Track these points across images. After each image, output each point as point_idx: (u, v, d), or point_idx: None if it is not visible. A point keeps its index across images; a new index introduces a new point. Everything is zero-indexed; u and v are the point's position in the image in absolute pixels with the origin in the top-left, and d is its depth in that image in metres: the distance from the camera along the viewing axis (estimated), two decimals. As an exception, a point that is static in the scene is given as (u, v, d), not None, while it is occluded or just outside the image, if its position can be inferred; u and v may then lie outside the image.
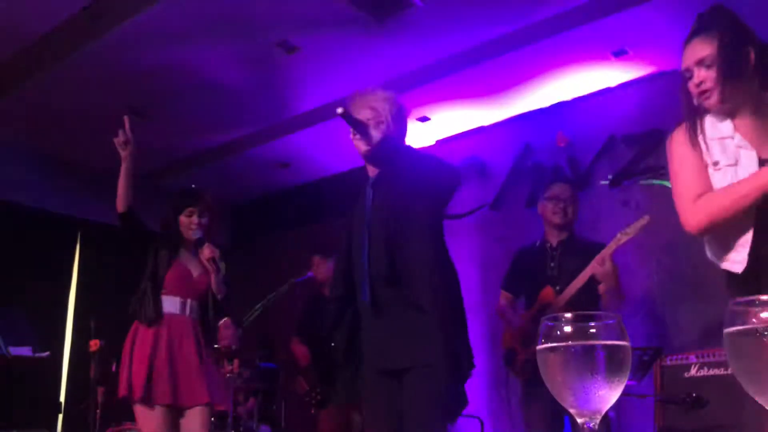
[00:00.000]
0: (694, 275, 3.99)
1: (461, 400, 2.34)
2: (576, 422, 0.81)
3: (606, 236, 3.49)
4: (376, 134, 2.47)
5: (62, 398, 5.61)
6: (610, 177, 4.57)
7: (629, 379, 0.80)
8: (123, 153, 3.34)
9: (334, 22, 4.21)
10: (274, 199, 6.96)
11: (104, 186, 6.33)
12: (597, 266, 3.07)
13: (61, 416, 5.30)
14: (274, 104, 5.29)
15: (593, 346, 0.78)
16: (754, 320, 0.74)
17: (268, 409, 5.08)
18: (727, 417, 2.98)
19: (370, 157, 2.51)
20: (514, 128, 5.33)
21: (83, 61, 4.54)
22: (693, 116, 1.96)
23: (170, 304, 3.19)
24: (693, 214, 1.92)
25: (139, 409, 3.06)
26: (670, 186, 2.05)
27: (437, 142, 5.69)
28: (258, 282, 6.50)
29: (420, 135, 5.60)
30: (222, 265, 3.37)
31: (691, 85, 1.94)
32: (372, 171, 2.56)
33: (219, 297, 3.31)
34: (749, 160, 1.87)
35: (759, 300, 0.75)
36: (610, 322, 0.79)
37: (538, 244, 3.49)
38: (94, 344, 4.41)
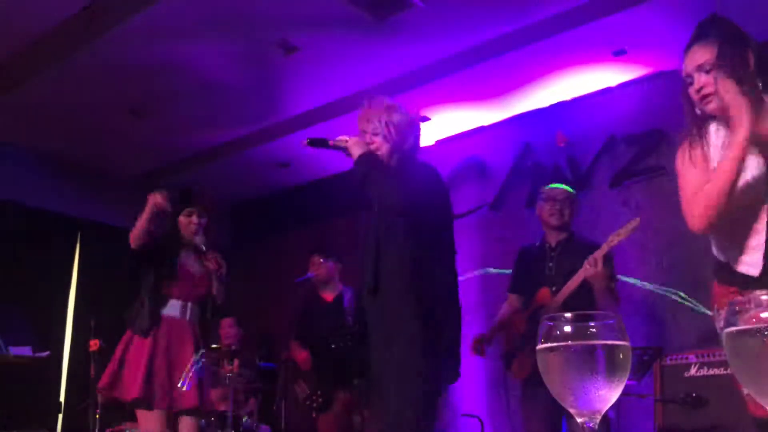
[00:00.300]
0: (694, 275, 3.99)
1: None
2: (573, 423, 0.81)
3: (606, 237, 3.49)
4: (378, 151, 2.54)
5: (62, 398, 5.61)
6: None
7: (629, 379, 0.80)
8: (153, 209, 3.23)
9: (334, 22, 4.21)
10: (274, 199, 6.96)
11: (104, 186, 6.38)
12: (588, 268, 3.07)
13: (61, 416, 5.30)
14: (275, 104, 5.29)
15: (593, 346, 0.78)
16: (754, 320, 0.74)
17: (268, 409, 5.08)
18: (727, 417, 2.98)
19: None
20: (514, 128, 5.32)
21: (83, 60, 4.54)
22: (697, 124, 1.96)
23: (171, 307, 3.18)
24: (692, 211, 1.94)
25: (139, 412, 3.07)
26: None
27: (437, 142, 5.69)
28: (258, 282, 6.51)
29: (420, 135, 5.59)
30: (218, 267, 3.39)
31: (692, 91, 1.95)
32: None
33: (219, 302, 3.32)
34: (752, 163, 1.88)
35: (759, 300, 0.75)
36: (610, 321, 0.79)
37: (537, 244, 3.49)
38: (94, 344, 4.41)
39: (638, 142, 4.59)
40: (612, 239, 3.14)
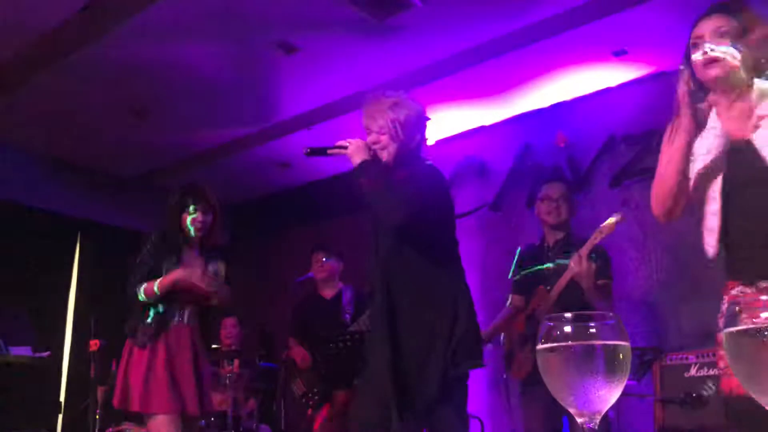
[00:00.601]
0: (694, 275, 3.99)
1: None
2: (575, 423, 0.81)
3: (605, 236, 3.49)
4: (382, 156, 2.50)
5: (62, 398, 5.60)
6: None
7: (629, 379, 0.80)
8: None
9: (334, 22, 4.21)
10: (274, 199, 6.96)
11: (104, 186, 6.38)
12: (573, 266, 3.07)
13: (61, 416, 5.30)
14: (275, 104, 5.29)
15: (593, 346, 0.78)
16: (754, 320, 0.74)
17: (268, 409, 5.08)
18: (725, 416, 2.97)
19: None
20: (514, 128, 5.33)
21: (83, 60, 4.54)
22: (689, 101, 1.89)
23: (170, 311, 3.16)
24: (653, 199, 1.97)
25: (151, 421, 3.03)
26: None
27: (437, 142, 5.68)
28: (258, 282, 6.51)
29: (420, 135, 5.59)
30: (221, 266, 3.36)
31: (697, 54, 1.88)
32: None
33: (217, 305, 3.30)
34: (720, 147, 1.88)
35: (759, 300, 0.75)
36: (610, 322, 0.79)
37: (537, 244, 3.49)
38: (94, 344, 4.40)
39: (638, 142, 4.59)
40: (595, 236, 3.13)
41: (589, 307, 3.04)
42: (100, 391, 4.40)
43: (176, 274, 3.08)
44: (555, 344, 0.79)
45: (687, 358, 3.44)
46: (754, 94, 1.84)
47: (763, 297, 0.75)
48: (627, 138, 4.68)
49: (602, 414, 0.80)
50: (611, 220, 3.12)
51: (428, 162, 2.58)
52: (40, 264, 5.82)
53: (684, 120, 1.85)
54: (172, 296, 3.13)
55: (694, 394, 3.27)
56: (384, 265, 2.44)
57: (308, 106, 5.30)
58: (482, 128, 5.47)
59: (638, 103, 4.62)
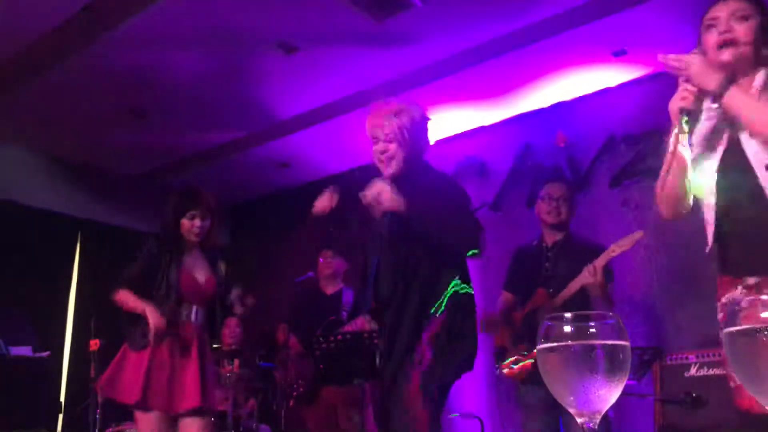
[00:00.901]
0: (694, 275, 3.99)
1: None
2: (569, 422, 0.81)
3: (605, 237, 3.49)
4: (389, 167, 2.48)
5: (62, 398, 5.60)
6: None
7: (629, 379, 0.80)
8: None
9: (334, 22, 4.21)
10: (274, 199, 6.96)
11: (104, 186, 6.38)
12: (587, 276, 3.08)
13: (61, 416, 5.30)
14: (274, 104, 5.29)
15: (593, 346, 0.78)
16: (754, 320, 0.74)
17: (268, 409, 5.08)
18: (727, 417, 2.98)
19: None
20: (514, 128, 5.33)
21: (83, 61, 4.54)
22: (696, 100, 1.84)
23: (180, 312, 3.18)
24: (657, 198, 1.96)
25: (137, 414, 3.05)
26: None
27: (437, 142, 5.68)
28: (258, 282, 6.50)
29: (420, 135, 5.59)
30: (221, 266, 3.36)
31: (712, 35, 1.85)
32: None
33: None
34: (722, 140, 1.86)
35: (759, 300, 0.75)
36: (610, 321, 0.79)
37: (535, 243, 3.49)
38: (94, 344, 4.40)
39: (638, 142, 4.60)
40: (613, 249, 3.14)
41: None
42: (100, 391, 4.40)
43: (147, 311, 3.03)
44: (555, 344, 0.79)
45: (687, 358, 3.44)
46: (757, 80, 1.83)
47: (764, 297, 0.75)
48: (627, 138, 4.68)
49: (602, 414, 0.80)
50: (633, 236, 3.15)
51: (437, 171, 2.57)
52: (40, 264, 5.82)
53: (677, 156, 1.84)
54: (179, 296, 3.14)
55: (694, 394, 3.27)
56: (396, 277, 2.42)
57: (308, 106, 5.30)
58: (482, 128, 5.47)
59: (638, 103, 4.62)
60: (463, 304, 2.46)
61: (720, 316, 1.88)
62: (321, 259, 4.66)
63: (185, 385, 3.07)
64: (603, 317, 0.80)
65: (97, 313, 4.73)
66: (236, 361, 4.76)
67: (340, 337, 4.02)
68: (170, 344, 3.09)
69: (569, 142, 4.94)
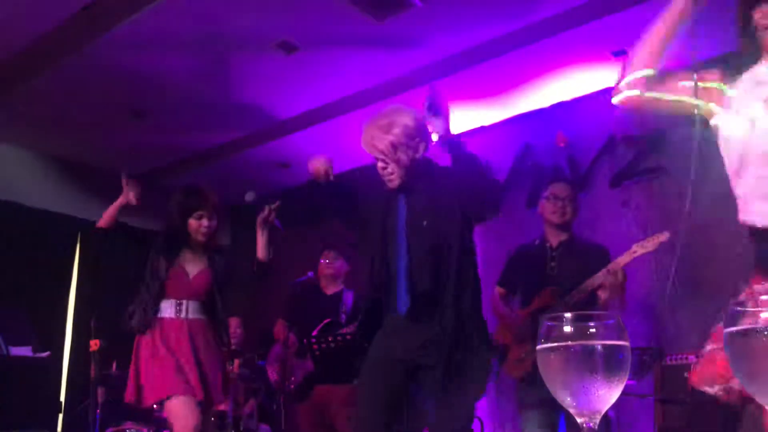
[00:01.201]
0: (694, 275, 3.99)
1: None
2: (571, 421, 0.81)
3: (605, 237, 3.49)
4: (392, 180, 2.48)
5: (62, 398, 5.60)
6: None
7: (629, 379, 0.80)
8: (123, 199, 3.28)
9: (334, 22, 4.21)
10: (273, 199, 6.95)
11: (104, 186, 6.35)
12: (609, 276, 3.05)
13: (61, 416, 5.30)
14: (274, 104, 5.29)
15: (593, 346, 0.78)
16: (754, 320, 0.74)
17: (268, 409, 5.08)
18: (727, 417, 2.98)
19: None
20: (514, 128, 5.33)
21: (83, 60, 4.54)
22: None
23: (165, 307, 3.17)
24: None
25: (170, 403, 3.02)
26: None
27: (437, 142, 5.68)
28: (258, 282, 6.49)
29: (420, 135, 5.60)
30: (221, 262, 3.38)
31: (761, 12, 1.72)
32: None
33: (263, 260, 3.41)
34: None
35: (759, 300, 0.75)
36: (610, 322, 0.79)
37: (537, 243, 3.48)
38: (94, 344, 4.40)
39: (638, 142, 4.60)
40: (635, 250, 3.12)
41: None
42: (100, 391, 4.40)
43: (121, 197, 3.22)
44: (555, 344, 0.79)
45: (687, 358, 3.44)
46: None
47: (763, 297, 0.75)
48: (627, 138, 4.68)
49: (602, 414, 0.80)
50: (657, 237, 3.10)
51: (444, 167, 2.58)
52: (40, 264, 5.82)
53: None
54: (161, 290, 3.17)
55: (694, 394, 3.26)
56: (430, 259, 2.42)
57: (308, 106, 5.30)
58: (482, 128, 5.47)
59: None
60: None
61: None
62: (323, 260, 4.65)
63: (189, 378, 3.08)
64: (603, 317, 0.80)
65: (97, 313, 4.73)
66: (236, 361, 4.77)
67: (339, 337, 4.02)
68: (164, 341, 3.09)
69: (569, 142, 4.94)
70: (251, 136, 5.80)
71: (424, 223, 2.45)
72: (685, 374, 3.42)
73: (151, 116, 5.40)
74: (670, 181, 4.30)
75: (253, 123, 5.60)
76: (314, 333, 4.22)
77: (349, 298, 4.58)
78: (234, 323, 5.31)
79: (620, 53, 4.45)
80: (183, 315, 3.18)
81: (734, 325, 0.75)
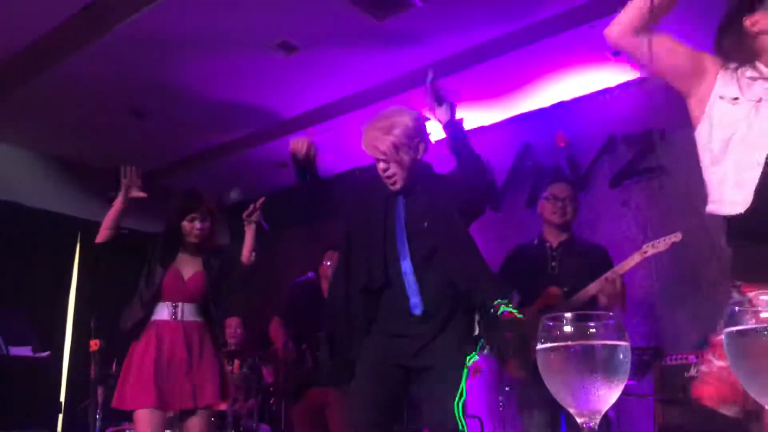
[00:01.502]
0: (694, 275, 3.99)
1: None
2: (571, 421, 0.81)
3: (605, 237, 3.49)
4: (395, 182, 2.48)
5: (62, 398, 5.60)
6: None
7: (629, 379, 0.80)
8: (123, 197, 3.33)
9: (334, 22, 4.21)
10: (273, 199, 6.95)
11: (105, 186, 6.36)
12: (606, 284, 3.05)
13: (61, 416, 5.30)
14: (274, 104, 5.30)
15: (593, 346, 0.78)
16: (754, 320, 0.74)
17: (268, 409, 5.08)
18: (727, 417, 2.98)
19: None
20: (514, 128, 5.33)
21: (83, 60, 4.54)
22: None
23: (161, 310, 3.18)
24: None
25: (136, 414, 3.07)
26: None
27: (437, 142, 5.67)
28: (257, 282, 6.49)
29: (420, 135, 5.60)
30: (216, 263, 3.39)
31: (750, 20, 1.71)
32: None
33: (246, 263, 3.41)
34: None
35: (759, 300, 0.75)
36: (610, 322, 0.79)
37: (536, 243, 3.48)
38: (94, 344, 4.40)
39: (638, 142, 4.60)
40: (645, 250, 3.10)
41: None
42: (100, 391, 4.40)
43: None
44: (555, 344, 0.79)
45: (687, 358, 3.44)
46: None
47: (763, 297, 0.75)
48: (627, 138, 4.68)
49: (602, 414, 0.80)
50: (669, 238, 3.06)
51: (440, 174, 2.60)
52: (40, 264, 5.82)
53: None
54: (154, 297, 3.18)
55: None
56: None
57: (308, 106, 5.31)
58: (482, 128, 5.47)
59: (638, 103, 4.62)
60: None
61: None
62: (326, 261, 4.63)
63: (177, 383, 3.09)
64: (603, 317, 0.80)
65: (97, 313, 4.73)
66: (236, 361, 4.76)
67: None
68: (156, 344, 3.10)
69: (569, 142, 4.94)
70: (251, 136, 5.80)
71: (425, 224, 2.45)
72: (685, 374, 3.42)
73: (151, 116, 5.40)
74: (670, 181, 4.31)
75: (253, 123, 5.60)
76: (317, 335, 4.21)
77: None
78: (234, 323, 5.32)
79: (620, 53, 4.45)
80: (178, 317, 3.19)
81: (734, 325, 0.75)
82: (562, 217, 3.37)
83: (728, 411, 1.65)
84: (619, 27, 1.87)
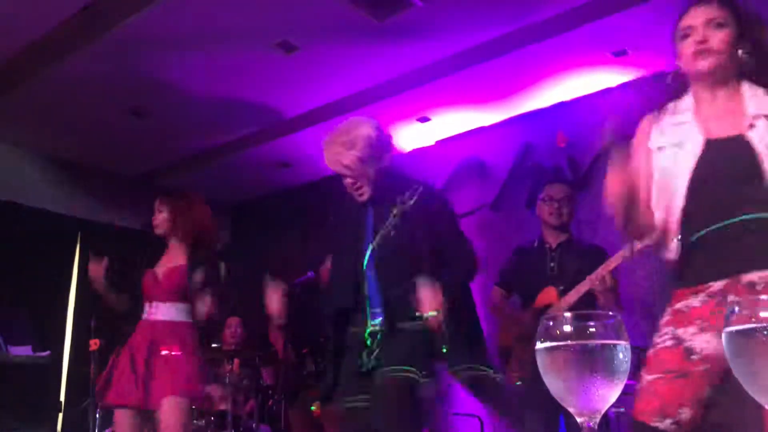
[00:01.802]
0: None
1: None
2: (571, 421, 0.81)
3: (606, 237, 3.48)
4: (363, 194, 2.48)
5: (62, 398, 5.60)
6: None
7: (629, 379, 0.80)
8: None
9: (334, 21, 4.21)
10: (274, 199, 6.96)
11: (104, 186, 6.38)
12: (596, 282, 3.05)
13: (61, 416, 5.30)
14: (274, 104, 5.29)
15: (593, 346, 0.78)
16: (753, 320, 0.74)
17: (268, 409, 5.08)
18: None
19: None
20: (514, 128, 5.33)
21: (83, 61, 4.54)
22: (670, 94, 1.87)
23: (145, 309, 3.24)
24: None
25: (115, 413, 3.13)
26: None
27: (437, 142, 5.68)
28: (258, 282, 6.49)
29: (420, 135, 5.60)
30: (222, 265, 3.37)
31: (687, 44, 1.83)
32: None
33: (215, 317, 3.33)
34: (695, 142, 1.82)
35: (759, 300, 0.75)
36: (610, 321, 0.79)
37: (536, 244, 3.48)
38: (94, 344, 4.40)
39: (638, 142, 4.59)
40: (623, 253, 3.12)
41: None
42: (100, 391, 4.40)
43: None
44: (555, 343, 0.79)
45: (687, 358, 3.43)
46: (744, 94, 1.80)
47: (763, 297, 0.75)
48: (627, 138, 4.67)
49: (602, 413, 0.80)
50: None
51: (409, 179, 2.54)
52: (40, 264, 5.82)
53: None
54: (138, 294, 3.26)
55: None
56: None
57: (308, 106, 5.30)
58: (482, 128, 5.47)
59: (638, 103, 4.62)
60: None
61: (665, 320, 1.86)
62: (326, 261, 4.63)
63: (142, 379, 3.08)
64: (603, 317, 0.79)
65: (97, 313, 4.73)
66: (236, 361, 4.76)
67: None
68: (129, 343, 3.16)
69: (569, 142, 4.94)
70: (251, 135, 5.80)
71: (392, 233, 2.43)
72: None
73: (151, 116, 5.40)
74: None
75: (253, 123, 5.59)
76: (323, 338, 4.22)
77: None
78: (234, 323, 5.31)
79: (620, 53, 4.46)
80: (151, 317, 3.20)
81: (734, 325, 0.75)
82: (558, 219, 3.37)
83: (661, 424, 1.67)
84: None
